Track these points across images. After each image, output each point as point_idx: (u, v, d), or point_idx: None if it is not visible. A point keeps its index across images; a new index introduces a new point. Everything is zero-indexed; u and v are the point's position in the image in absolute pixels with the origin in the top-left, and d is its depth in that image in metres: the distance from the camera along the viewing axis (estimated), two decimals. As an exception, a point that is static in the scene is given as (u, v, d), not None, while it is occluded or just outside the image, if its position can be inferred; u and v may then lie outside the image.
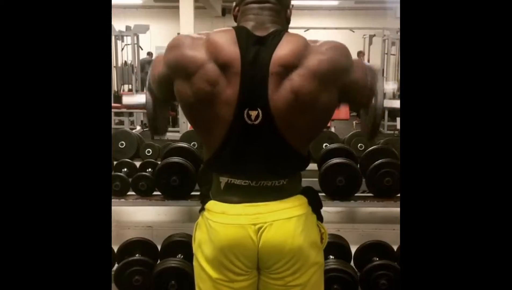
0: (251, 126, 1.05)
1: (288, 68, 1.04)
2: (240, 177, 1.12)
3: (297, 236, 1.12)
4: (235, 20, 1.18)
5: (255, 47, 1.06)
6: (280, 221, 1.11)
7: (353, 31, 9.28)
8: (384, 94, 1.24)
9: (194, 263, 1.22)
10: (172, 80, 1.12)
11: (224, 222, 1.12)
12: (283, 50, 1.05)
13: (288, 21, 1.18)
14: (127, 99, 1.46)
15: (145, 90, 1.31)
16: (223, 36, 1.08)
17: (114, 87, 7.60)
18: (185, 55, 1.07)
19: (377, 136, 1.39)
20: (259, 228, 1.10)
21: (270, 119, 1.05)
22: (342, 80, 1.09)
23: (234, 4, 1.17)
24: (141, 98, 1.32)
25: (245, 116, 1.05)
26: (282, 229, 1.11)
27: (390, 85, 1.70)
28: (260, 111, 1.04)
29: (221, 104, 1.05)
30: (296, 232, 1.12)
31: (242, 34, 1.08)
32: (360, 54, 8.57)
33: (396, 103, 1.30)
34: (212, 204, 1.16)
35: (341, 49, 1.10)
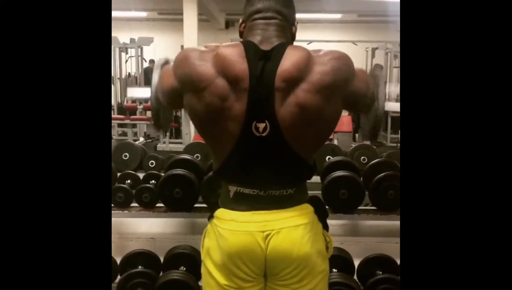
0: (259, 137, 1.09)
1: (292, 82, 1.07)
2: (248, 186, 1.15)
3: (304, 244, 1.14)
4: (241, 36, 1.21)
5: (262, 61, 1.09)
6: (288, 228, 1.13)
7: (356, 44, 9.30)
8: (386, 97, 1.29)
9: (202, 270, 1.23)
10: (181, 93, 1.15)
11: (233, 229, 1.14)
12: (286, 64, 1.08)
13: (293, 37, 1.21)
14: (132, 91, 1.51)
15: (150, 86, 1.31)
16: (233, 50, 1.10)
17: (118, 98, 7.63)
18: (196, 70, 1.10)
19: (377, 137, 1.47)
20: (267, 235, 1.12)
21: (278, 131, 1.08)
22: (344, 90, 1.12)
23: (240, 21, 1.20)
24: (145, 92, 1.39)
25: (253, 128, 1.08)
26: (290, 237, 1.13)
27: (393, 88, 1.80)
28: (268, 123, 1.08)
29: (230, 118, 1.09)
30: (303, 239, 1.14)
31: (250, 49, 1.10)
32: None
33: (396, 106, 1.38)
34: (221, 212, 1.18)
35: (343, 59, 1.13)
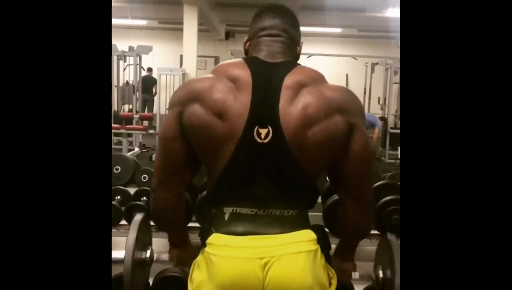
0: (261, 145, 1.01)
1: (300, 84, 1.04)
2: (247, 205, 1.06)
3: (307, 274, 1.03)
4: (246, 54, 1.17)
5: (266, 70, 1.06)
6: (289, 255, 1.03)
7: (356, 59, 9.31)
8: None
9: None
10: (182, 115, 1.06)
11: (227, 256, 1.04)
12: (295, 73, 1.06)
13: (297, 57, 1.17)
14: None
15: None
16: (233, 62, 1.09)
17: (114, 106, 7.56)
18: (195, 83, 1.08)
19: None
20: (266, 263, 1.02)
21: (281, 138, 1.01)
22: (349, 117, 1.05)
23: (245, 38, 1.18)
24: None
25: (255, 134, 1.01)
26: (291, 265, 1.03)
27: None
28: (270, 129, 1.01)
29: (231, 118, 1.01)
30: (306, 268, 1.04)
31: (252, 61, 1.09)
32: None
33: None
34: (214, 238, 1.07)
35: (356, 96, 1.11)
